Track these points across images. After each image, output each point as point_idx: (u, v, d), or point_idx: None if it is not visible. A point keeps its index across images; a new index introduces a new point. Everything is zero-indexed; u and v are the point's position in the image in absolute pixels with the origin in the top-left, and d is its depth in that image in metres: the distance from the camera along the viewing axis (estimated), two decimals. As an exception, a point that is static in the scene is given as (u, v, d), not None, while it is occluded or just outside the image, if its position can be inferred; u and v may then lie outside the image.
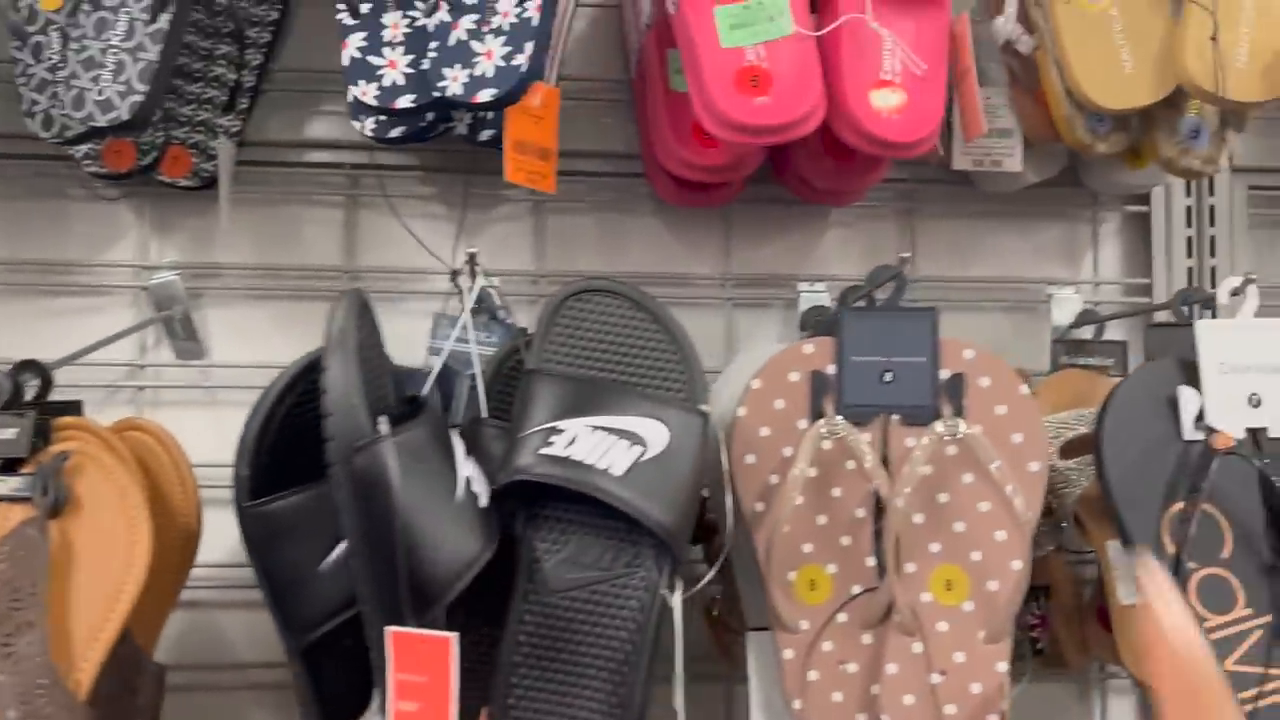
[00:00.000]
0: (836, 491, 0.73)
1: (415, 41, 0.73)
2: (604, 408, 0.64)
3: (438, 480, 0.56)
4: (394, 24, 0.74)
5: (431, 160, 0.93)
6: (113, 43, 0.72)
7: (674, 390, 0.67)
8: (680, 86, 0.83)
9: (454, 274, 0.72)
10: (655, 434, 0.63)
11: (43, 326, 0.89)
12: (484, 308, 0.81)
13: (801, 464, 0.72)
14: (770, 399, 0.75)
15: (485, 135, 0.78)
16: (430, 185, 0.93)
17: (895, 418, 0.72)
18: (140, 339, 0.89)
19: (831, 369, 0.74)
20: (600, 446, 0.62)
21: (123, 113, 0.71)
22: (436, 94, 0.71)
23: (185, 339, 0.89)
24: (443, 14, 0.72)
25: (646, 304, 0.69)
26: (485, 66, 0.70)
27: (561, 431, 0.63)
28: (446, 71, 0.71)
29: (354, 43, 0.73)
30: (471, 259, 0.70)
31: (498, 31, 0.70)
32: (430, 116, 0.77)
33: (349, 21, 0.73)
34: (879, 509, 0.74)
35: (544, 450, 0.62)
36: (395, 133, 0.77)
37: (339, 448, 0.54)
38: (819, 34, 0.75)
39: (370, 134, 0.78)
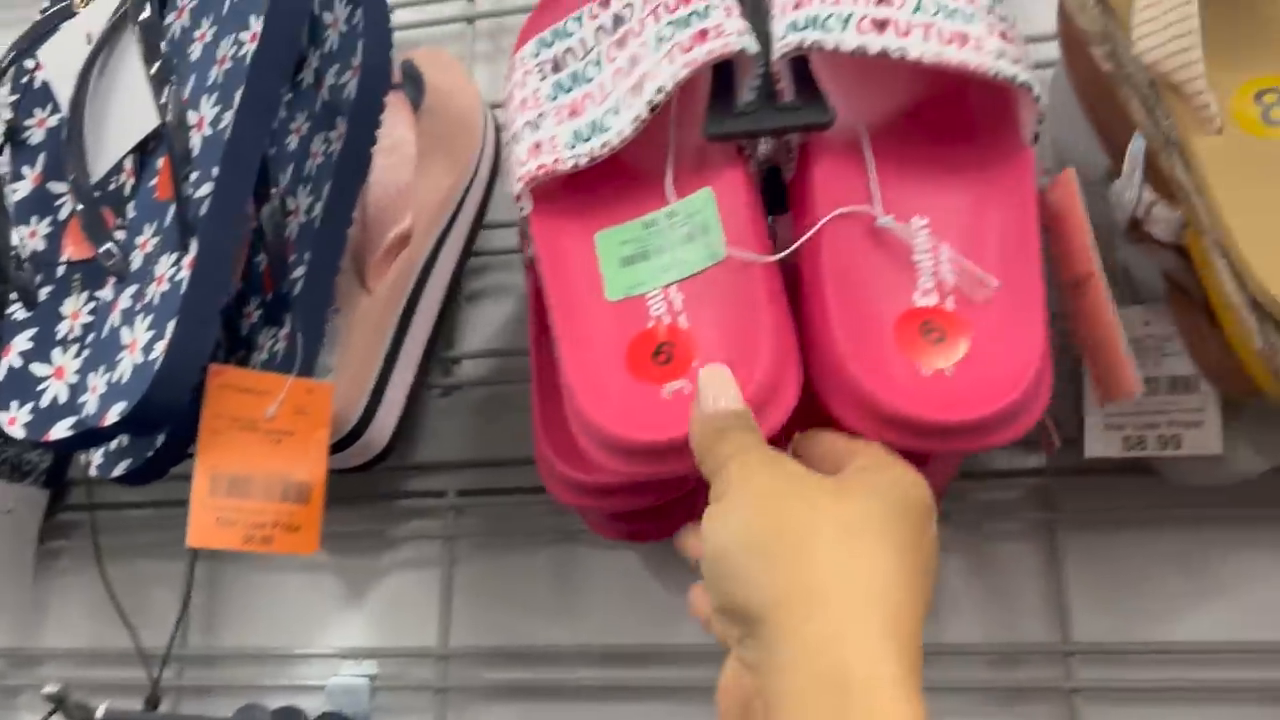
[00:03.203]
0: None
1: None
2: None
3: None
4: (74, 311, 0.48)
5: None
6: None
7: None
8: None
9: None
10: None
11: None
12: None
13: None
14: None
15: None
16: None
17: None
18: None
19: None
20: None
21: None
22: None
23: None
24: (109, 288, 0.46)
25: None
26: (125, 365, 0.43)
27: None
28: (91, 378, 0.44)
29: (18, 346, 0.48)
30: (55, 700, 0.40)
31: (149, 307, 0.43)
32: (161, 438, 0.49)
33: (20, 316, 0.49)
34: None
35: None
36: (120, 469, 0.50)
37: None
38: (779, 257, 0.41)
39: (97, 472, 0.52)
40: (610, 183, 0.45)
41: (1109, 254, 0.52)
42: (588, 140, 0.44)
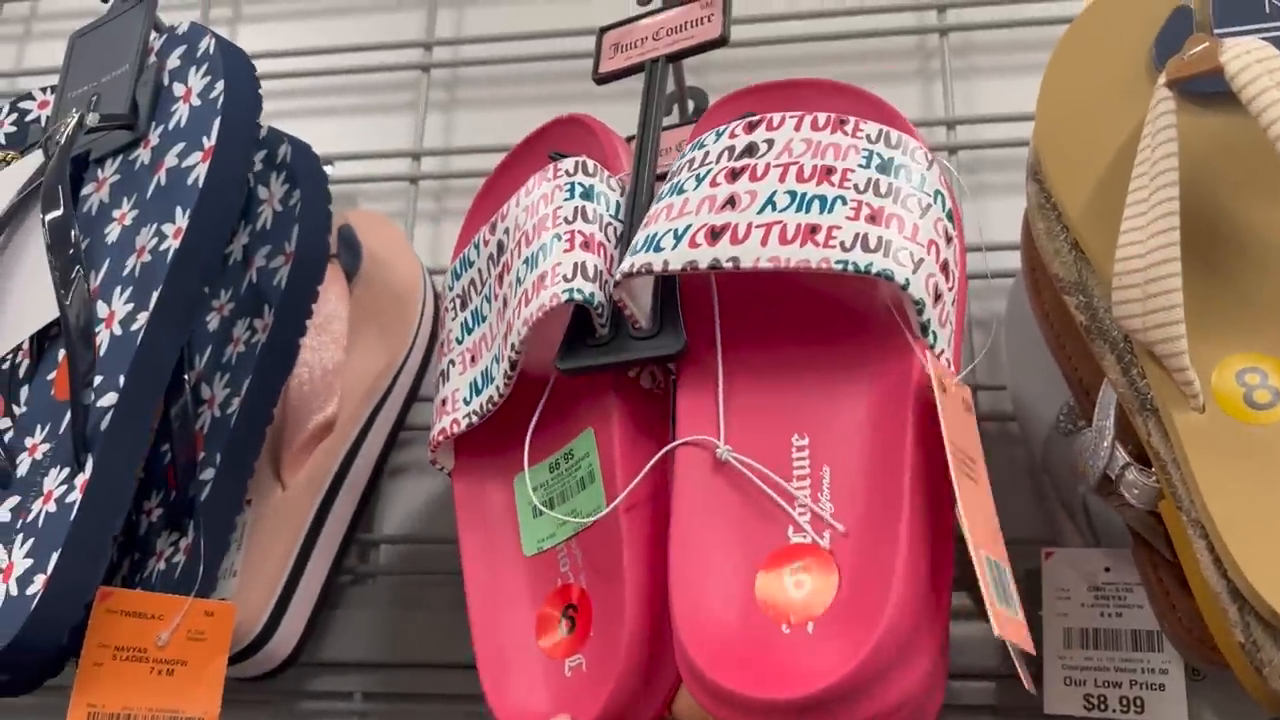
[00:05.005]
0: None
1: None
2: None
3: None
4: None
5: None
6: None
7: None
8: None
9: None
10: None
11: None
12: None
13: None
14: None
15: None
16: None
17: None
18: None
19: None
20: None
21: None
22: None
23: None
24: (-12, 495, 0.41)
25: None
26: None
27: None
28: (-43, 601, 0.39)
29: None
30: None
31: (32, 528, 0.38)
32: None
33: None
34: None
35: None
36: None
37: None
38: (591, 520, 0.39)
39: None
40: (525, 416, 0.43)
41: (1070, 489, 0.50)
42: (479, 393, 0.43)
